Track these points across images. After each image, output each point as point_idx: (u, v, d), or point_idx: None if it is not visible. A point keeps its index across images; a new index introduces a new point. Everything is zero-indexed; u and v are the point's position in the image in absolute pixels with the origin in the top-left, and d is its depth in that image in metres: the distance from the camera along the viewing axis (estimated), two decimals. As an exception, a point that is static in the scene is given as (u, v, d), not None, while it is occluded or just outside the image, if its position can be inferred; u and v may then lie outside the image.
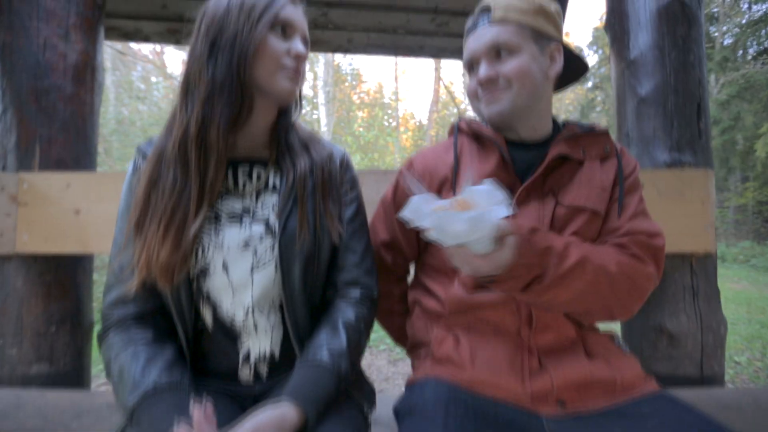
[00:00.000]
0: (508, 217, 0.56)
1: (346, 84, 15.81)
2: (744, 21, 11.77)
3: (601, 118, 18.07)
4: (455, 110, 16.62)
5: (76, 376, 1.35)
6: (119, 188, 1.24)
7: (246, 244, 0.69)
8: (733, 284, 7.55)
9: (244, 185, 0.74)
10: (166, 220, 0.64)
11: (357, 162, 10.48)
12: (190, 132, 0.66)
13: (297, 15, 0.72)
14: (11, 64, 1.29)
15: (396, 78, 20.88)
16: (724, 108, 10.67)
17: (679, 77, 1.26)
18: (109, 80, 8.56)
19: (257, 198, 0.73)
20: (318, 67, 10.97)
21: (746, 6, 11.91)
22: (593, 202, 0.76)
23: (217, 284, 0.69)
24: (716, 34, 12.77)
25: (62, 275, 1.33)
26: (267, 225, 0.71)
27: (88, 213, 1.25)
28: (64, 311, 1.33)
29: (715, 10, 12.16)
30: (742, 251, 10.46)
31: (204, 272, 0.68)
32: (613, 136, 1.38)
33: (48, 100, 1.31)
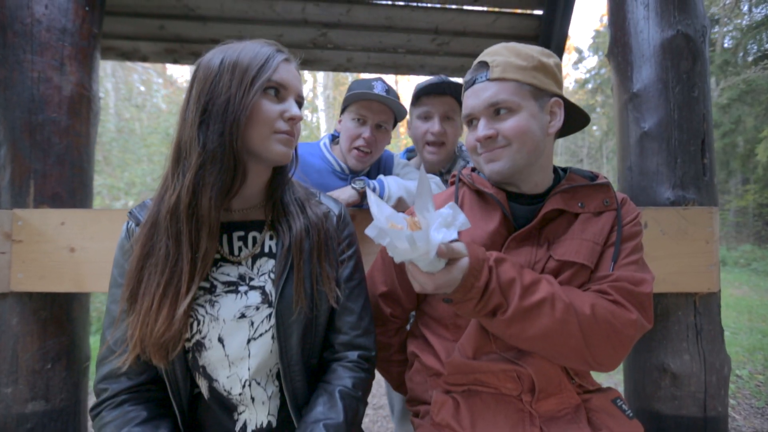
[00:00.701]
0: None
1: (346, 86, 15.77)
2: (745, 22, 11.73)
3: (601, 119, 18.06)
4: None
5: (72, 413, 1.34)
6: (115, 227, 1.24)
7: (242, 315, 0.67)
8: (734, 290, 7.53)
9: (239, 251, 0.72)
10: (159, 296, 0.62)
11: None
12: (181, 202, 0.64)
13: (291, 74, 0.70)
14: (5, 99, 1.27)
15: (396, 81, 20.80)
16: (725, 111, 10.64)
17: (683, 113, 1.24)
18: (109, 84, 8.54)
19: (253, 263, 0.71)
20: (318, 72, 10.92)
21: (746, 8, 11.88)
22: (583, 257, 0.75)
23: (213, 358, 0.67)
24: (716, 35, 12.72)
25: (58, 311, 1.31)
26: (263, 293, 0.69)
27: (82, 251, 1.23)
28: (59, 347, 1.31)
29: (714, 10, 12.12)
30: (743, 255, 10.45)
31: (199, 345, 0.67)
32: (615, 168, 1.37)
33: (42, 135, 1.29)
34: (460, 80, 1.19)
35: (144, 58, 2.18)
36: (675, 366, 1.21)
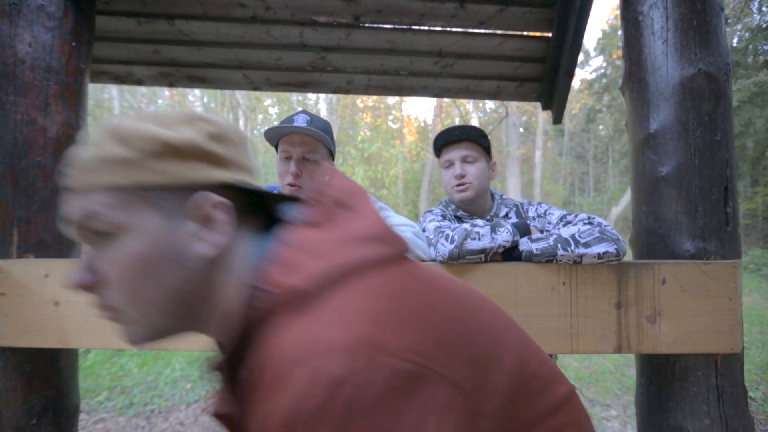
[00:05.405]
0: None
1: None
2: (755, 20, 11.52)
3: (607, 120, 17.87)
4: (459, 110, 16.50)
5: (59, 467, 1.28)
6: (100, 279, 1.18)
7: None
8: (744, 297, 7.36)
9: None
10: None
11: (361, 175, 10.31)
12: None
13: None
14: (-13, 144, 1.21)
15: (403, 100, 20.71)
16: (735, 114, 10.46)
17: (705, 158, 1.16)
18: (114, 90, 8.53)
19: None
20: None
21: (756, 6, 11.65)
22: None
23: None
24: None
25: (43, 363, 1.25)
26: None
27: (67, 305, 1.17)
28: (45, 401, 1.25)
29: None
30: (753, 260, 10.27)
31: None
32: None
33: (27, 180, 1.23)
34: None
35: (139, 82, 2.12)
36: (694, 429, 1.13)
